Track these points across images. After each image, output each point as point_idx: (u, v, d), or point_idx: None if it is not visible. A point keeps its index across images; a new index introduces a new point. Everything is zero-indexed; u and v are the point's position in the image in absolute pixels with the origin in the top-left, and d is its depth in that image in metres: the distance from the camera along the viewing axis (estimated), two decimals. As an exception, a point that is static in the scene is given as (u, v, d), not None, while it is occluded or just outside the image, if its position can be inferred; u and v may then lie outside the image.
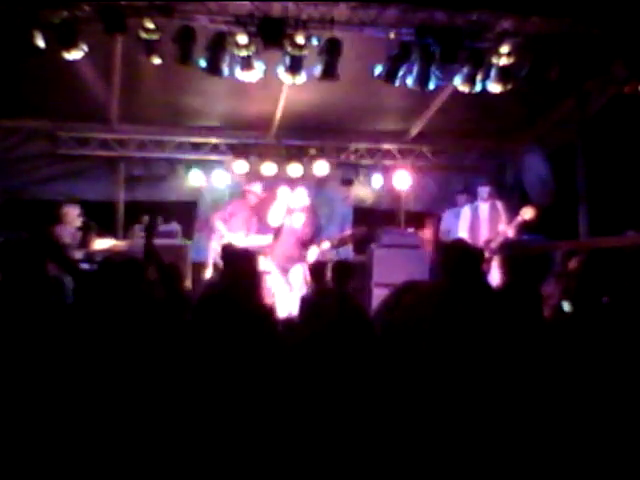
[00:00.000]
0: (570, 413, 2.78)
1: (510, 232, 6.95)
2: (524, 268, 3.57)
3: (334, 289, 4.70)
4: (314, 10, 5.47)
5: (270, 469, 2.62)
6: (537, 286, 3.70)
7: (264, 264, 7.07)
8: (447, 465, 2.64)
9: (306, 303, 4.84)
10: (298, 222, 7.14)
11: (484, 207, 7.26)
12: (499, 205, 7.25)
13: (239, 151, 8.42)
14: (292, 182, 7.90)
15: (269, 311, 3.57)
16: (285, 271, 7.00)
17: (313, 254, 7.13)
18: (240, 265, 3.71)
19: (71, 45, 5.29)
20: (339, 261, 5.19)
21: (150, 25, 5.28)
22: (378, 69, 5.86)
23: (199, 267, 7.39)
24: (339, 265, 4.87)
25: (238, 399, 2.77)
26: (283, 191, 7.25)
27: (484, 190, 7.29)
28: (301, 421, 2.81)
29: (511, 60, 5.84)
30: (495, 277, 6.32)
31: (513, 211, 7.26)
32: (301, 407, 2.86)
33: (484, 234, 7.07)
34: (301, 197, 7.24)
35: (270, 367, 2.93)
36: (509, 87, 6.00)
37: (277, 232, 7.16)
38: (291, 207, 7.18)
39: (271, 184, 7.80)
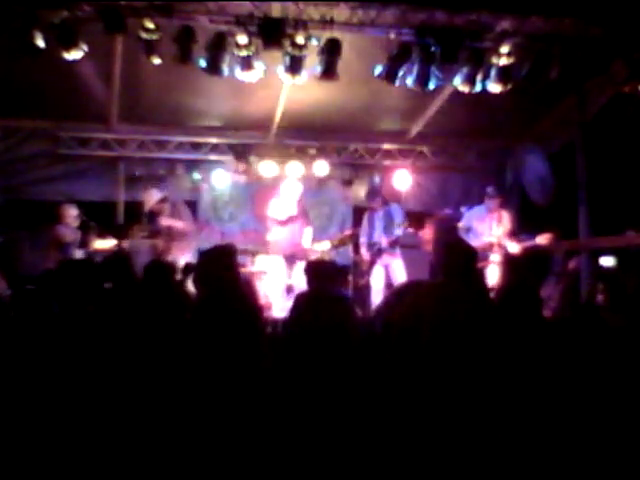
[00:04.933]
0: (569, 412, 2.78)
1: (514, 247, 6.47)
2: (524, 268, 3.57)
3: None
4: (314, 10, 5.47)
5: (267, 468, 2.62)
6: (537, 286, 3.70)
7: (261, 264, 7.09)
8: (446, 463, 2.64)
9: (296, 304, 4.78)
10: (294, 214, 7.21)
11: (487, 214, 7.02)
12: (505, 214, 7.00)
13: (239, 151, 8.43)
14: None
15: (254, 310, 3.55)
16: (291, 264, 6.98)
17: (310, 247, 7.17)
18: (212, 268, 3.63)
19: (71, 45, 5.29)
20: (313, 261, 4.90)
21: (150, 25, 5.28)
22: (378, 69, 5.86)
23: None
24: (314, 265, 4.46)
25: (230, 399, 2.78)
26: (286, 186, 7.33)
27: (492, 201, 7.00)
28: (297, 421, 2.81)
29: (511, 60, 5.83)
30: (493, 275, 6.32)
31: (512, 211, 7.23)
32: (297, 406, 2.86)
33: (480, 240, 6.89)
34: (296, 189, 7.33)
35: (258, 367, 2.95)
36: (509, 87, 5.99)
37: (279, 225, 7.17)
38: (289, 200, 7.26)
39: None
